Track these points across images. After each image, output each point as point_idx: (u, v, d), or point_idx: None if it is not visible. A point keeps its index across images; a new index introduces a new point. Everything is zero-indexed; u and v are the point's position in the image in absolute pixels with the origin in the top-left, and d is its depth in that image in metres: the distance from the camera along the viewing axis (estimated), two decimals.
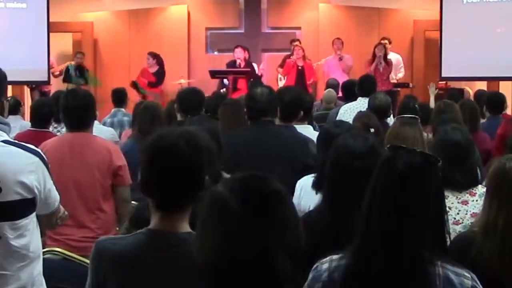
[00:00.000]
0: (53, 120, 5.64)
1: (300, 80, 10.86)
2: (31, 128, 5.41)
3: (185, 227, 2.01)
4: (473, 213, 3.12)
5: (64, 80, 11.58)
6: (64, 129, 5.41)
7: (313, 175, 3.27)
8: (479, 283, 1.94)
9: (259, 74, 11.46)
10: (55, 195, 2.86)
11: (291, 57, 11.37)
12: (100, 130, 5.17)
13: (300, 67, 11.08)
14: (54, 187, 2.85)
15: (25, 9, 11.65)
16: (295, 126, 4.49)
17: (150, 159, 1.99)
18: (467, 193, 3.19)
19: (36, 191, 2.70)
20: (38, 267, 2.81)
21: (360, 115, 4.64)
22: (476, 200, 3.15)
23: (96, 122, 4.87)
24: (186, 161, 1.95)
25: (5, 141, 2.71)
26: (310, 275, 2.00)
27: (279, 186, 1.60)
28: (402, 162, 1.92)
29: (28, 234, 2.72)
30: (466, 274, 1.93)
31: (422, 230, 1.88)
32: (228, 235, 1.51)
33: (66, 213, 3.02)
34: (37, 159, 2.74)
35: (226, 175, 3.30)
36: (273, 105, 4.06)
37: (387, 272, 1.86)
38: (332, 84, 9.30)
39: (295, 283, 1.53)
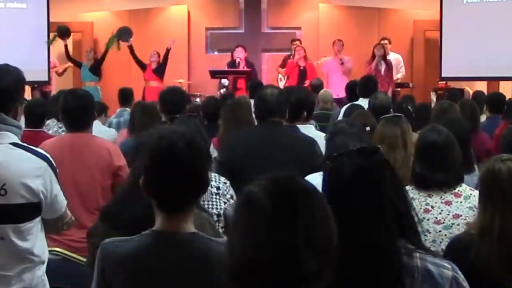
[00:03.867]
0: (55, 118, 5.63)
1: (302, 80, 10.85)
2: (26, 128, 5.41)
3: (190, 228, 2.01)
4: (456, 214, 3.07)
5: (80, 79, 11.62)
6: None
7: (320, 173, 3.24)
8: (460, 274, 1.89)
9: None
10: (62, 201, 2.85)
11: (291, 57, 11.36)
12: (100, 131, 5.16)
13: (302, 68, 11.06)
14: (61, 193, 2.83)
15: (25, 9, 11.68)
16: (298, 126, 4.49)
17: (151, 160, 2.00)
18: (452, 193, 3.13)
19: (41, 196, 2.70)
20: (42, 269, 2.80)
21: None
22: (461, 202, 3.10)
23: (96, 123, 4.86)
24: (186, 162, 1.95)
25: (14, 144, 2.70)
26: None
27: (308, 185, 1.59)
28: (348, 170, 1.88)
29: (31, 238, 2.71)
30: (447, 265, 1.88)
31: (389, 227, 1.83)
32: (256, 235, 1.50)
33: (73, 218, 3.00)
34: (45, 164, 2.73)
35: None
36: (282, 106, 4.02)
37: (362, 274, 1.82)
38: (315, 85, 9.29)
39: (323, 281, 1.51)
